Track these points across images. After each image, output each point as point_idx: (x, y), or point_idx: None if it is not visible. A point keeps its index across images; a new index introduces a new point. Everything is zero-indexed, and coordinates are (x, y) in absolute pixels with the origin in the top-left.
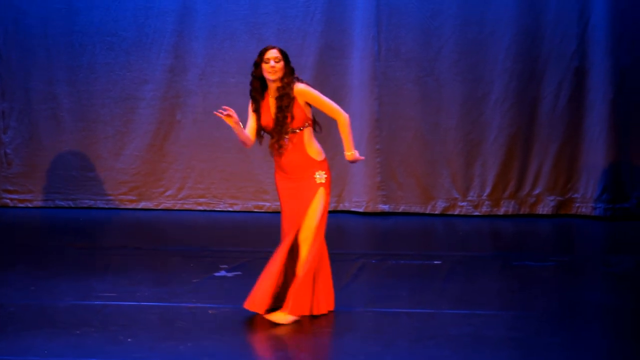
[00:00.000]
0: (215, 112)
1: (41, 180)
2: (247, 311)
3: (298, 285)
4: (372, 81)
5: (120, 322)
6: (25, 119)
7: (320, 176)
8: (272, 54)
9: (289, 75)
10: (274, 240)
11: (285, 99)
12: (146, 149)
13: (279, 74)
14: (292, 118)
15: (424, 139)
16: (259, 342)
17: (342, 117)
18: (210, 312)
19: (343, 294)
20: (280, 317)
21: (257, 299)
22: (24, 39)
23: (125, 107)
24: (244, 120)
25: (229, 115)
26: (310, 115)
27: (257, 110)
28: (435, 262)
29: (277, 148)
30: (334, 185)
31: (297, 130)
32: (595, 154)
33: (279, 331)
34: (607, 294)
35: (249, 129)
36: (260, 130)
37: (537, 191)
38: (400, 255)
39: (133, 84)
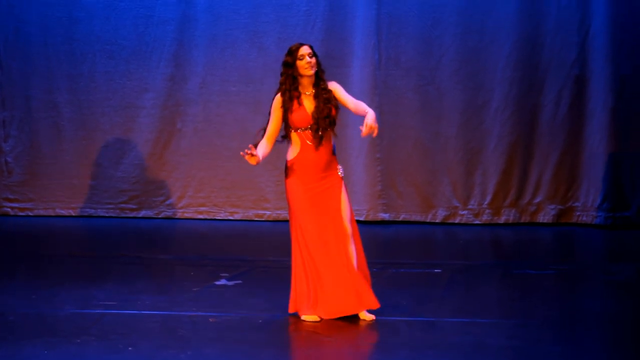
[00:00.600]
0: (241, 153)
1: (42, 188)
2: (248, 319)
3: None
4: (372, 90)
5: (120, 331)
6: (26, 128)
7: (341, 170)
8: (306, 50)
9: (321, 68)
10: (275, 248)
11: (329, 92)
12: (146, 158)
13: (315, 69)
14: (337, 110)
15: (424, 147)
16: (260, 351)
17: (368, 107)
18: (210, 320)
19: None
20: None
21: (342, 302)
22: (24, 47)
23: (126, 116)
24: (239, 129)
25: (252, 155)
26: None
27: (287, 110)
28: (436, 270)
29: (319, 141)
30: None
31: (332, 126)
32: (596, 162)
33: (279, 339)
34: (608, 303)
35: (270, 135)
36: (281, 131)
37: (537, 199)
38: (401, 264)
39: (133, 93)
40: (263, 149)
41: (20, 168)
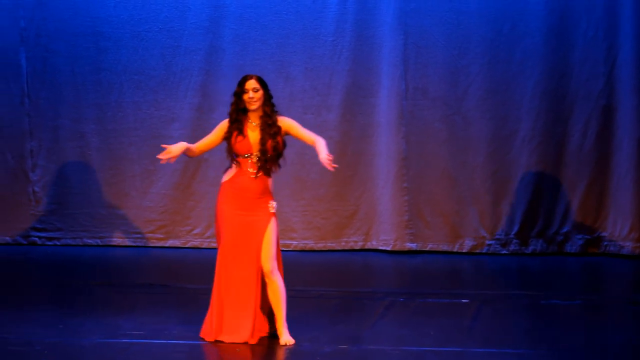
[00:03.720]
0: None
1: (69, 218)
2: (275, 349)
3: (283, 313)
4: (399, 120)
5: None
6: (54, 157)
7: (273, 205)
8: (251, 84)
9: (269, 102)
10: (301, 278)
11: (274, 127)
12: (174, 188)
13: (259, 103)
14: (284, 146)
15: (451, 177)
16: None
17: (320, 138)
18: (237, 350)
19: (370, 332)
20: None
21: (241, 330)
22: (52, 77)
23: (153, 146)
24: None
25: (169, 154)
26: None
27: (230, 138)
28: (463, 300)
29: (257, 172)
30: (362, 224)
31: (277, 159)
32: (623, 192)
33: None
34: (635, 333)
35: (200, 146)
36: (232, 154)
37: (565, 229)
38: (428, 294)
39: (161, 123)
40: (190, 147)
41: (47, 197)
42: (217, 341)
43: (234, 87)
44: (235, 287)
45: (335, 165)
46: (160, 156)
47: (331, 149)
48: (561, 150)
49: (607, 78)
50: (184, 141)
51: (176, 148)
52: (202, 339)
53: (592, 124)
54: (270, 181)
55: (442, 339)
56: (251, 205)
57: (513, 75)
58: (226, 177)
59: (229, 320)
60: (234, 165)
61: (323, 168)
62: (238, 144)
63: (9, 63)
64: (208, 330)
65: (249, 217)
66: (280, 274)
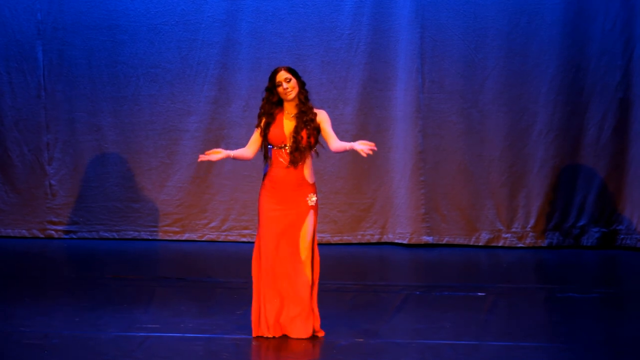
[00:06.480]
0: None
1: (85, 211)
2: (290, 342)
3: (313, 305)
4: (415, 113)
5: (163, 354)
6: (70, 150)
7: (312, 199)
8: (282, 75)
9: (303, 89)
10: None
11: (310, 114)
12: (190, 181)
13: (294, 92)
14: (315, 135)
15: (467, 170)
16: None
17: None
18: (253, 343)
19: (387, 325)
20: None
21: (271, 323)
22: (68, 71)
23: (169, 139)
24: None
25: (212, 153)
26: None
27: (266, 129)
28: (479, 294)
29: (289, 162)
30: (379, 217)
31: (310, 149)
32: None
33: None
34: None
35: (253, 143)
36: (265, 146)
37: (581, 223)
38: (444, 287)
39: (177, 116)
40: (242, 150)
41: (64, 191)
42: (273, 337)
43: (250, 80)
44: (277, 277)
45: (373, 148)
46: (201, 157)
47: (347, 142)
48: (578, 144)
49: (624, 71)
50: (201, 134)
51: (217, 155)
52: (253, 335)
53: (609, 117)
54: (308, 172)
55: (458, 332)
56: (289, 197)
57: (530, 68)
58: (265, 170)
59: (275, 316)
60: (271, 158)
61: (340, 161)
62: (272, 134)
63: (25, 56)
64: (256, 326)
65: (287, 210)
66: (316, 268)
